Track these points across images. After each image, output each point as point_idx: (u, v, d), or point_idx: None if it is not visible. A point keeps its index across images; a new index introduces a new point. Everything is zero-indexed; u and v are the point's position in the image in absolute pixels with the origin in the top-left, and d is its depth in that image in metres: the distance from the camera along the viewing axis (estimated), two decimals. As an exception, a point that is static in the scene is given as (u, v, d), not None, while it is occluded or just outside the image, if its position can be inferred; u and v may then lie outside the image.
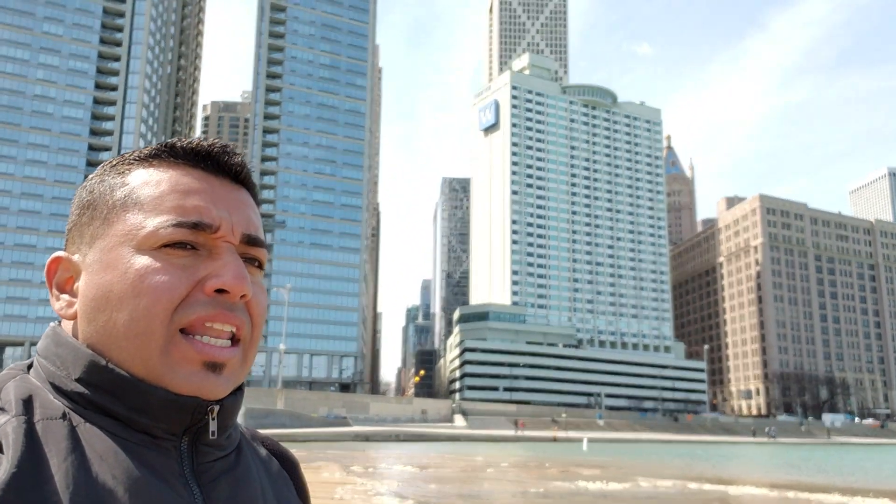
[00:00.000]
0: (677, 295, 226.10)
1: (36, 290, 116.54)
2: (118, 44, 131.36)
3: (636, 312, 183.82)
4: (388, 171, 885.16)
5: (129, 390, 0.84)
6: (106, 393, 0.84)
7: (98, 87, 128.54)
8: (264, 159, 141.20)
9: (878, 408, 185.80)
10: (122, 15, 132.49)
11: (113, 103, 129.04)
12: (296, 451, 38.82)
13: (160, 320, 0.84)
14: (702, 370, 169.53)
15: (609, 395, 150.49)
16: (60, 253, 0.94)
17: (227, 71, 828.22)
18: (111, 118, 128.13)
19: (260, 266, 0.96)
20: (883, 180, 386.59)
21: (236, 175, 0.96)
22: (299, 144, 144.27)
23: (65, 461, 0.77)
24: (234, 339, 0.89)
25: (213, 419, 0.88)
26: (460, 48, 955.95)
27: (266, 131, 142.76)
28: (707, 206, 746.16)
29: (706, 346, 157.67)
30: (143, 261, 0.86)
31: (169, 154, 0.94)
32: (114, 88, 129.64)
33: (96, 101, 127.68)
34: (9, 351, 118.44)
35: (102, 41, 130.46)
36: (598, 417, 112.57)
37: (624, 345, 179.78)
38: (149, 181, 0.91)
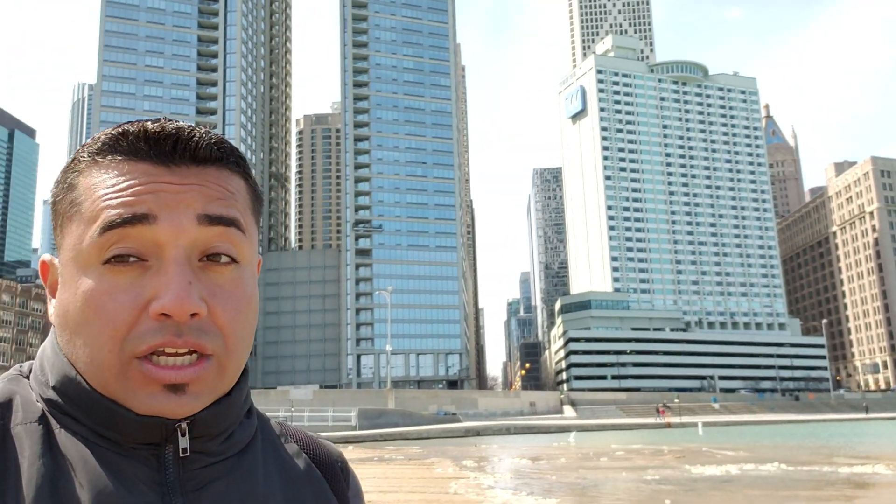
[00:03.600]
0: (788, 269, 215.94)
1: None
2: (214, 69, 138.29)
3: (745, 290, 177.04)
4: (478, 167, 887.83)
5: (95, 406, 0.82)
6: (75, 405, 0.83)
7: (199, 112, 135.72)
8: (357, 167, 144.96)
9: None
10: (215, 42, 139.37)
11: (213, 127, 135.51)
12: (411, 448, 40.15)
13: (108, 350, 0.80)
14: (821, 346, 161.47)
15: (723, 378, 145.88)
16: (46, 257, 0.90)
17: (316, 84, 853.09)
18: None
19: (232, 259, 0.86)
20: None
21: (196, 156, 0.86)
22: (389, 149, 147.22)
23: (32, 465, 0.78)
24: (204, 354, 0.83)
25: (182, 435, 0.84)
26: (541, 36, 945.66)
27: (357, 139, 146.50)
28: (814, 174, 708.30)
29: (824, 321, 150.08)
30: (86, 283, 0.81)
31: (112, 150, 0.85)
32: (213, 112, 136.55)
33: (197, 126, 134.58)
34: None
35: (199, 68, 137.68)
36: (713, 401, 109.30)
37: (735, 325, 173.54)
38: (90, 184, 0.84)
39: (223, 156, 0.89)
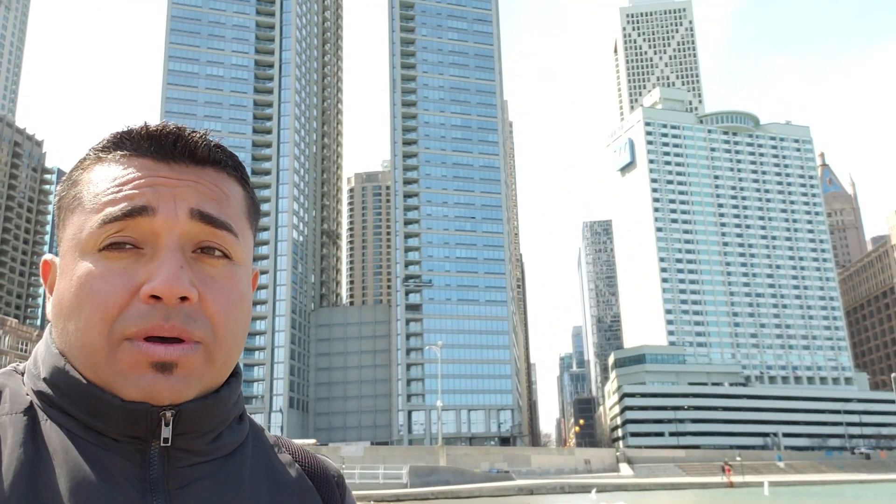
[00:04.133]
0: (852, 321, 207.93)
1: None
2: (268, 131, 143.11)
3: (807, 343, 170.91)
4: (527, 221, 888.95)
5: (83, 394, 0.84)
6: (64, 395, 0.85)
7: (254, 172, 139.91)
8: (407, 222, 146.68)
9: None
10: (269, 105, 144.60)
11: (267, 186, 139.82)
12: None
13: (98, 332, 0.83)
14: (892, 401, 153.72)
15: (787, 435, 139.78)
16: (48, 256, 0.94)
17: (367, 142, 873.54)
18: (267, 200, 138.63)
19: (225, 255, 0.91)
20: None
21: (194, 155, 0.92)
22: (439, 205, 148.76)
23: (13, 453, 0.79)
24: (192, 340, 0.85)
25: (166, 425, 0.84)
26: (588, 90, 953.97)
27: (406, 195, 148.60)
28: (876, 222, 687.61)
29: (894, 375, 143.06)
30: (83, 267, 0.85)
31: (116, 147, 0.91)
32: (267, 173, 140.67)
33: (254, 187, 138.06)
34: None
35: (255, 130, 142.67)
36: (778, 459, 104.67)
37: (798, 379, 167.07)
38: (93, 179, 0.90)
39: (221, 158, 0.94)
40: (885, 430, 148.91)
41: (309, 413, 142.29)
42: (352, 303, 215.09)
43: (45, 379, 0.87)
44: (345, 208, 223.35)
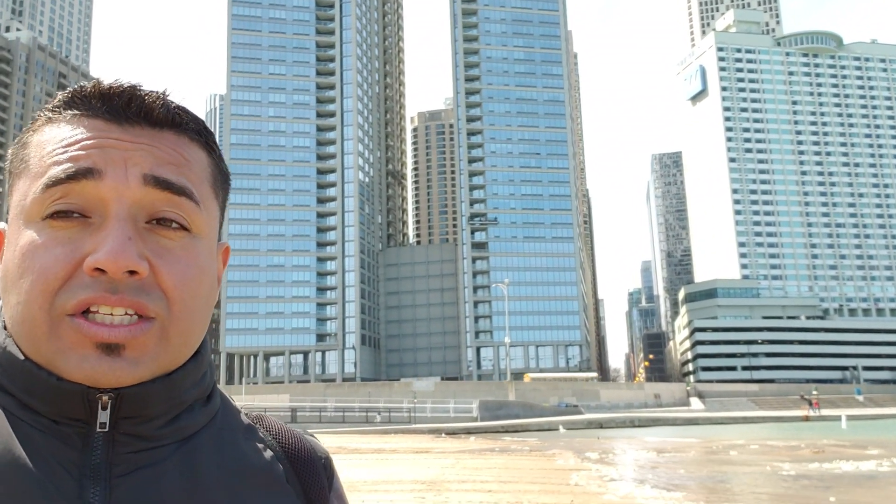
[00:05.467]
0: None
1: (289, 304, 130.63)
2: (332, 73, 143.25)
3: (891, 274, 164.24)
4: (594, 156, 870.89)
5: (19, 373, 0.78)
6: (5, 372, 0.79)
7: (318, 115, 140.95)
8: (471, 160, 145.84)
9: None
10: (332, 46, 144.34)
11: (333, 128, 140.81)
12: (531, 439, 40.07)
13: (39, 305, 0.75)
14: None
15: (867, 368, 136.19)
16: (1, 224, 0.85)
17: (429, 81, 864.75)
18: (332, 142, 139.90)
19: (183, 227, 0.81)
20: None
21: (150, 117, 0.82)
22: (503, 142, 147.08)
23: None
24: (145, 316, 0.76)
25: (103, 409, 0.76)
26: (656, 16, 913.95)
27: (470, 133, 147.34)
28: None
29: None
30: (27, 237, 0.78)
31: (67, 106, 0.82)
32: (332, 115, 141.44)
33: (319, 129, 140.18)
34: (272, 360, 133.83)
35: (318, 73, 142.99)
36: (857, 393, 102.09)
37: (879, 311, 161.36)
38: (41, 140, 0.82)
39: (182, 121, 0.85)
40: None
41: (381, 350, 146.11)
42: (418, 242, 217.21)
43: None
44: (409, 148, 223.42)
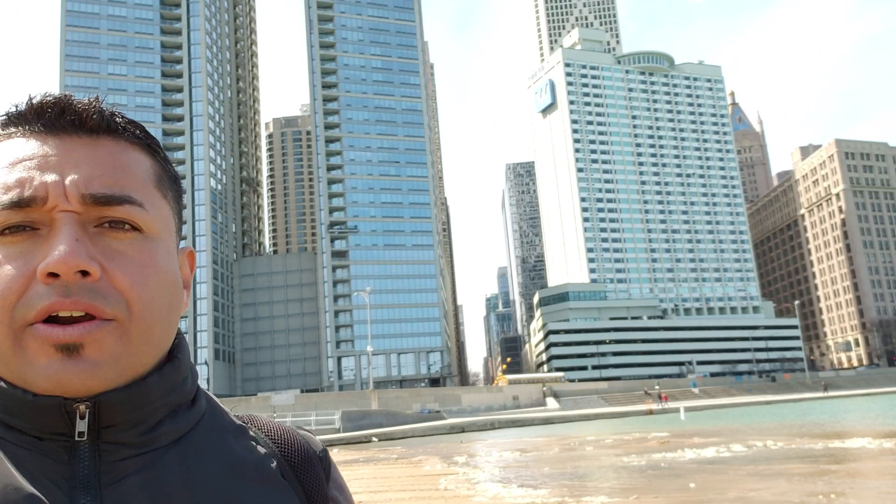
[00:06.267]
0: (760, 253, 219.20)
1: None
2: (179, 75, 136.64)
3: (719, 276, 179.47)
4: (451, 165, 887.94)
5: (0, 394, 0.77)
6: None
7: (165, 119, 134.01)
8: (329, 168, 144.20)
9: None
10: (179, 47, 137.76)
11: (181, 133, 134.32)
12: (396, 447, 40.11)
13: (0, 320, 0.75)
14: (795, 327, 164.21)
15: (701, 363, 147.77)
16: None
17: (285, 87, 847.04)
18: (182, 147, 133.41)
19: (134, 227, 0.81)
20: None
21: (84, 125, 0.83)
22: (362, 149, 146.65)
23: None
24: (102, 318, 0.77)
25: (81, 418, 0.77)
26: (508, 31, 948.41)
27: (328, 140, 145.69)
28: (781, 158, 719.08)
29: (797, 302, 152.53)
30: None
31: (5, 126, 0.84)
32: (180, 119, 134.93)
33: (165, 133, 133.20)
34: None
35: (164, 75, 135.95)
36: (693, 386, 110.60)
37: (710, 310, 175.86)
38: None
39: (118, 127, 0.85)
40: (788, 354, 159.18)
41: (236, 364, 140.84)
42: (275, 251, 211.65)
43: None
44: (264, 155, 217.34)
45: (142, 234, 0.82)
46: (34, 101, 0.83)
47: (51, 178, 0.78)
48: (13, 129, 0.83)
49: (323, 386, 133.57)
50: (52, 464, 0.77)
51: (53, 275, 0.75)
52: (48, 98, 0.83)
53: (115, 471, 0.78)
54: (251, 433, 0.94)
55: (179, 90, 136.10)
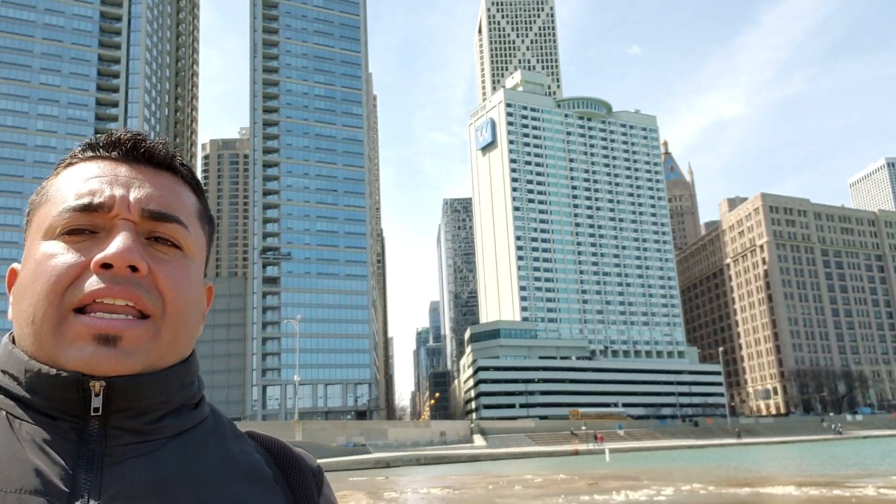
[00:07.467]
0: (686, 299, 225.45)
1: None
2: (115, 90, 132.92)
3: (647, 320, 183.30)
4: (389, 197, 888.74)
5: (22, 371, 0.89)
6: (10, 376, 0.91)
7: (98, 133, 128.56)
8: (266, 193, 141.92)
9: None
10: (117, 62, 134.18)
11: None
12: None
13: (50, 301, 0.88)
14: (718, 373, 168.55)
15: (626, 405, 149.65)
16: (16, 265, 0.99)
17: (224, 109, 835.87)
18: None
19: (176, 245, 0.98)
20: (882, 171, 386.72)
21: (152, 159, 1.02)
22: (300, 176, 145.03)
23: None
24: (143, 315, 0.91)
25: (96, 395, 0.87)
26: (452, 67, 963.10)
27: (266, 165, 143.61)
28: (709, 208, 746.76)
29: (720, 349, 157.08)
30: (41, 250, 0.92)
31: (83, 152, 1.02)
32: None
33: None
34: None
35: (100, 88, 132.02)
36: (618, 427, 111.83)
37: (637, 353, 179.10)
38: (59, 179, 0.99)
39: (176, 166, 1.05)
40: (710, 399, 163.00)
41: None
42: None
43: None
44: (199, 176, 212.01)
45: (182, 253, 0.99)
46: (113, 135, 1.02)
47: (119, 191, 0.95)
48: (91, 154, 1.01)
49: (246, 415, 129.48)
50: (62, 442, 0.86)
51: (107, 266, 0.89)
52: (126, 133, 1.02)
53: (118, 453, 0.88)
54: (249, 441, 1.06)
55: (115, 105, 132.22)
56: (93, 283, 0.88)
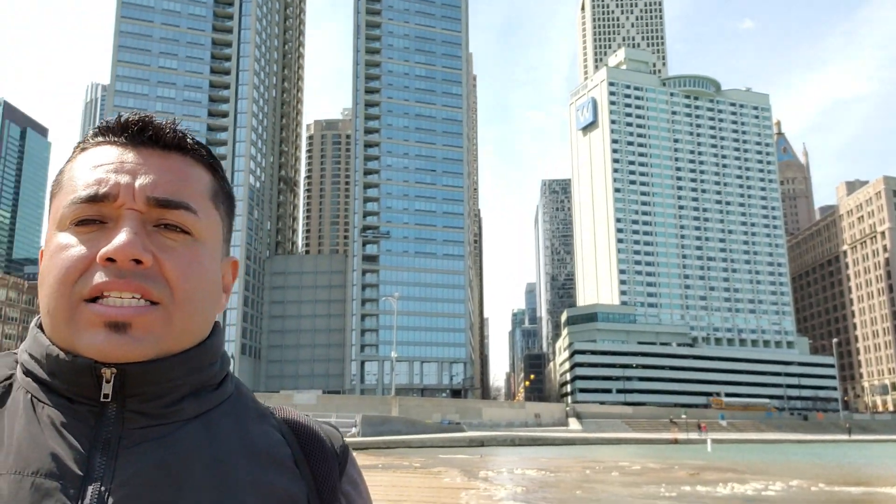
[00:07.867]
0: (797, 287, 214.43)
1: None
2: (227, 72, 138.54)
3: (754, 307, 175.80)
4: (487, 177, 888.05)
5: (44, 356, 0.93)
6: (35, 360, 0.95)
7: (210, 114, 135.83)
8: (367, 173, 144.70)
9: None
10: (229, 45, 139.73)
11: (224, 129, 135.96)
12: (415, 456, 39.40)
13: (61, 293, 0.91)
14: (830, 366, 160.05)
15: (730, 395, 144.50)
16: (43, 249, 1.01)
17: (328, 90, 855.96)
18: (224, 143, 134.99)
19: (185, 231, 0.97)
20: None
21: (159, 142, 1.01)
22: (399, 156, 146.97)
23: None
24: (153, 303, 0.92)
25: (106, 382, 0.90)
26: (553, 47, 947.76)
27: (367, 145, 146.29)
28: (825, 192, 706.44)
29: (834, 340, 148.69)
30: (57, 239, 0.95)
31: (95, 135, 1.03)
32: (224, 115, 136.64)
33: (210, 128, 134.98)
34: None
35: (213, 71, 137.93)
36: (721, 418, 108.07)
37: (742, 342, 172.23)
38: (73, 166, 1.01)
39: (186, 145, 1.03)
40: (822, 394, 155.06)
41: (261, 360, 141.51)
42: (307, 251, 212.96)
43: (25, 350, 0.97)
44: (303, 156, 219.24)
45: (191, 238, 0.98)
46: (122, 118, 1.02)
47: (124, 179, 0.96)
48: (101, 139, 1.02)
49: (345, 388, 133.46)
50: (79, 425, 0.90)
51: (111, 260, 0.91)
52: (133, 116, 1.02)
53: (135, 436, 0.90)
54: (272, 421, 1.05)
55: (226, 87, 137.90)
56: (100, 276, 0.90)
